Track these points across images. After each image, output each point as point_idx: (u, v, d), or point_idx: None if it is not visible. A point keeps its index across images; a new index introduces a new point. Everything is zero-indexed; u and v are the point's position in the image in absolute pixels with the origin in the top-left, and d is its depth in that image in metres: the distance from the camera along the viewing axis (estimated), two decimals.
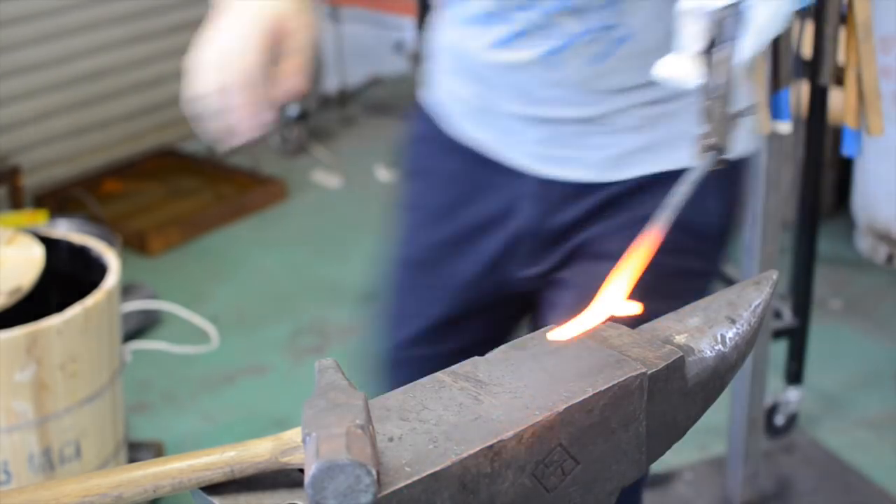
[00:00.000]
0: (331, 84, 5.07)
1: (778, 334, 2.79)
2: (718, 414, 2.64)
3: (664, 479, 2.72)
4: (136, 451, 2.69)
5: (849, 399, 3.06)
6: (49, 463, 2.31)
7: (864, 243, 3.77)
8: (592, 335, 1.08)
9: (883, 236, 3.69)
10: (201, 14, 4.66)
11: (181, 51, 5.02)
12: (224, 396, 3.12)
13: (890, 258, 3.70)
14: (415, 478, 0.91)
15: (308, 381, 3.18)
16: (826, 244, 3.59)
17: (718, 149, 1.03)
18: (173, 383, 3.17)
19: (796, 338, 2.85)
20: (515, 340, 1.09)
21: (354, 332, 3.30)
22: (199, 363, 3.27)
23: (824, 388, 3.08)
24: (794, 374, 2.87)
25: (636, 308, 1.03)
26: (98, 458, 2.40)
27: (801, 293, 2.81)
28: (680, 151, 1.37)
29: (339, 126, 4.88)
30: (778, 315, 2.82)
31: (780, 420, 2.87)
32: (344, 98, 5.06)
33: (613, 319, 1.06)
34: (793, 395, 2.87)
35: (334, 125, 4.85)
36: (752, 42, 1.06)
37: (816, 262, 2.82)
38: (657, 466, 2.76)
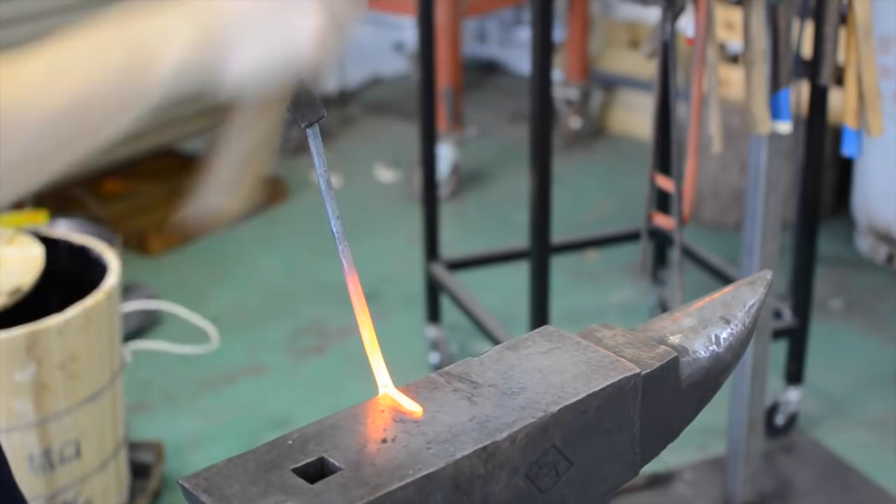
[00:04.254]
0: (331, 84, 5.07)
1: (778, 334, 2.79)
2: (718, 414, 2.64)
3: (664, 479, 2.72)
4: (136, 451, 2.69)
5: (849, 399, 3.05)
6: (49, 463, 2.32)
7: (864, 243, 3.77)
8: (587, 335, 1.08)
9: (883, 236, 3.69)
10: None
11: None
12: (224, 396, 3.12)
13: (890, 258, 3.69)
14: (408, 479, 0.91)
15: (308, 381, 3.19)
16: (826, 244, 3.59)
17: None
18: (173, 383, 3.17)
19: (796, 338, 2.84)
20: (509, 341, 1.09)
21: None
22: (199, 363, 3.27)
23: (824, 388, 3.08)
24: (794, 374, 2.87)
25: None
26: (98, 458, 2.41)
27: (801, 293, 2.81)
28: None
29: (339, 126, 4.88)
30: (778, 315, 2.82)
31: (780, 420, 2.87)
32: (344, 98, 5.06)
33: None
34: (793, 395, 2.87)
35: (334, 125, 4.85)
36: None
37: (816, 262, 2.82)
38: (657, 466, 2.76)
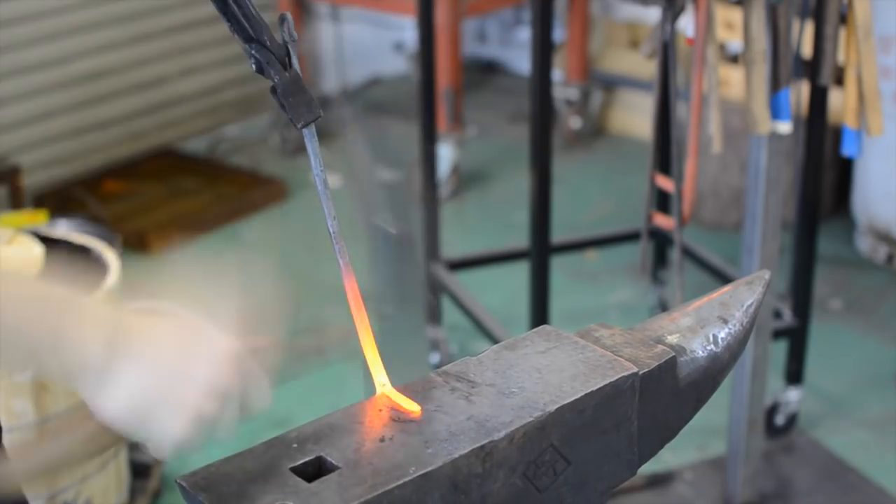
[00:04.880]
0: (331, 84, 5.07)
1: (778, 334, 2.79)
2: (718, 414, 2.64)
3: (664, 479, 2.72)
4: (137, 451, 2.69)
5: (849, 399, 3.05)
6: None
7: (864, 243, 3.77)
8: (585, 335, 1.08)
9: (883, 236, 3.69)
10: (201, 14, 4.68)
11: (181, 51, 5.03)
12: None
13: (890, 258, 3.69)
14: (406, 478, 0.91)
15: (308, 381, 3.18)
16: (826, 244, 3.59)
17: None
18: None
19: (796, 338, 2.84)
20: (507, 341, 1.08)
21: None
22: None
23: (824, 388, 3.08)
24: (794, 374, 2.87)
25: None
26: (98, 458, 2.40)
27: (801, 293, 2.81)
28: None
29: (340, 126, 4.87)
30: (778, 315, 2.82)
31: (780, 420, 2.87)
32: (344, 98, 5.06)
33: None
34: (793, 395, 2.87)
35: (334, 125, 4.84)
36: None
37: (816, 262, 2.82)
38: (657, 466, 2.76)
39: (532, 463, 0.97)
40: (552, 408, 0.98)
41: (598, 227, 3.74)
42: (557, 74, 4.64)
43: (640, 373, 1.02)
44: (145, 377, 0.94)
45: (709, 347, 1.08)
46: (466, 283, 3.15)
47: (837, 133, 2.58)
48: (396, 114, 5.00)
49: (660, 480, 2.71)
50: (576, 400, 0.99)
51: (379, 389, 1.03)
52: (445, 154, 4.19)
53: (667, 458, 2.75)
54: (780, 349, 2.87)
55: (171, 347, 0.96)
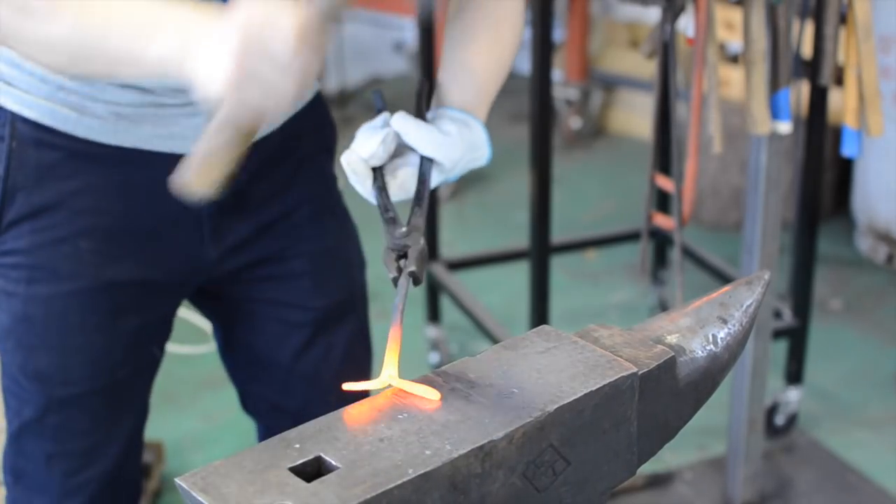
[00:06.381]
0: (331, 84, 5.07)
1: (778, 334, 2.79)
2: (718, 414, 2.64)
3: (664, 479, 2.72)
4: None
5: (849, 399, 3.05)
6: None
7: (864, 243, 3.77)
8: (584, 335, 1.08)
9: (883, 236, 3.69)
10: None
11: None
12: (224, 396, 3.11)
13: (890, 258, 3.69)
14: (405, 478, 0.91)
15: None
16: (826, 244, 3.59)
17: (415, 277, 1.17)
18: (173, 383, 3.17)
19: (796, 338, 2.84)
20: (506, 341, 1.09)
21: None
22: (199, 363, 3.26)
23: (824, 388, 3.08)
24: (794, 374, 2.87)
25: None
26: None
27: (801, 293, 2.81)
28: None
29: (340, 126, 4.87)
30: (778, 315, 2.82)
31: (780, 420, 2.87)
32: (344, 98, 5.06)
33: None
34: (793, 395, 2.87)
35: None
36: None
37: (816, 262, 2.82)
38: (657, 466, 2.76)
39: (531, 463, 0.97)
40: (551, 408, 0.98)
41: (598, 227, 3.75)
42: (557, 74, 4.64)
43: (640, 373, 1.02)
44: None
45: (708, 347, 1.08)
46: (466, 283, 3.15)
47: (837, 133, 2.58)
48: None
49: (660, 480, 2.71)
50: (575, 400, 0.99)
51: (380, 387, 1.03)
52: None
53: (667, 458, 2.75)
54: (780, 349, 2.87)
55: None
